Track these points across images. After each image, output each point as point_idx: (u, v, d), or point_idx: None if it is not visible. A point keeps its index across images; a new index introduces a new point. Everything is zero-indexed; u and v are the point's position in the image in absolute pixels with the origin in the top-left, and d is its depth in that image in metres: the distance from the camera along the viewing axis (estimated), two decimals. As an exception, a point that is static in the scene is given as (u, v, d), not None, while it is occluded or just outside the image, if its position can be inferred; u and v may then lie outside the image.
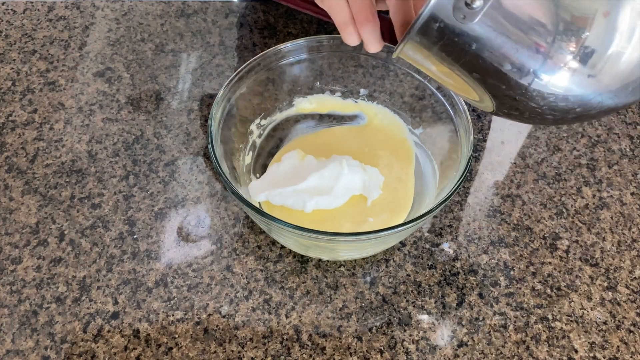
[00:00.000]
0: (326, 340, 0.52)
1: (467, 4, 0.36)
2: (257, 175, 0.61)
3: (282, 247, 0.58)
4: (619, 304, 0.55)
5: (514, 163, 0.66)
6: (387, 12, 0.48)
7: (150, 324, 0.53)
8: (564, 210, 0.62)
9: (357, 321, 0.54)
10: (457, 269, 0.57)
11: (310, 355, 0.51)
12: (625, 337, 0.53)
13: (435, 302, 0.55)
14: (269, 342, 0.52)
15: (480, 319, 0.54)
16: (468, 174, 0.58)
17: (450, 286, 0.56)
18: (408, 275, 0.57)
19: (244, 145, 0.61)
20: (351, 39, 0.47)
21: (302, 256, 0.57)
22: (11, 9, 0.79)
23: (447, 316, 0.54)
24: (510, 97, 0.39)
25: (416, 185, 0.60)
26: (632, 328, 0.54)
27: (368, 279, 0.56)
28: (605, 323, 0.54)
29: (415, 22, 0.38)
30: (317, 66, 0.62)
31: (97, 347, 0.52)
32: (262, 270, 0.56)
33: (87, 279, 0.55)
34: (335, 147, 0.62)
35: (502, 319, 0.54)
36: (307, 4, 0.77)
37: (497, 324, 0.54)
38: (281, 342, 0.52)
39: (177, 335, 0.52)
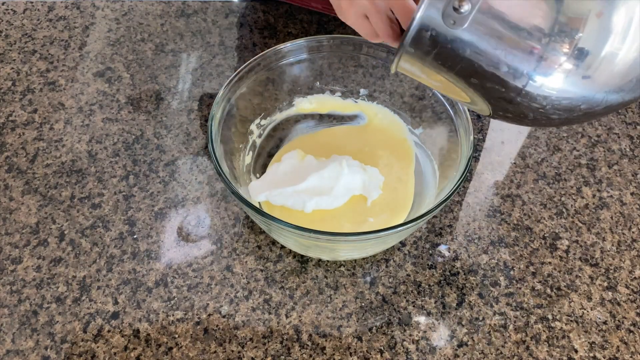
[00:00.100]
0: (326, 340, 0.52)
1: (455, 9, 0.36)
2: (257, 175, 0.61)
3: (282, 247, 0.58)
4: (619, 304, 0.55)
5: (514, 163, 0.66)
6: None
7: (150, 324, 0.53)
8: (564, 210, 0.62)
9: (357, 321, 0.54)
10: (457, 269, 0.57)
11: (310, 355, 0.51)
12: (625, 337, 0.53)
13: (435, 302, 0.55)
14: (269, 342, 0.52)
15: (480, 319, 0.54)
16: (468, 174, 0.58)
17: (450, 286, 0.56)
18: (408, 275, 0.57)
19: (244, 145, 0.61)
20: (375, 41, 0.50)
21: (302, 256, 0.57)
22: (11, 9, 0.79)
23: (447, 316, 0.54)
24: (509, 99, 0.39)
25: (416, 185, 0.60)
26: (632, 328, 0.54)
27: (368, 279, 0.56)
28: (605, 323, 0.54)
29: (407, 33, 0.38)
30: (317, 66, 0.62)
31: (97, 347, 0.52)
32: (262, 270, 0.56)
33: (87, 279, 0.55)
34: (335, 147, 0.62)
35: (502, 319, 0.54)
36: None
37: (497, 324, 0.54)
38: (281, 342, 0.52)
39: (177, 335, 0.52)
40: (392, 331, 0.53)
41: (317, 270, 0.57)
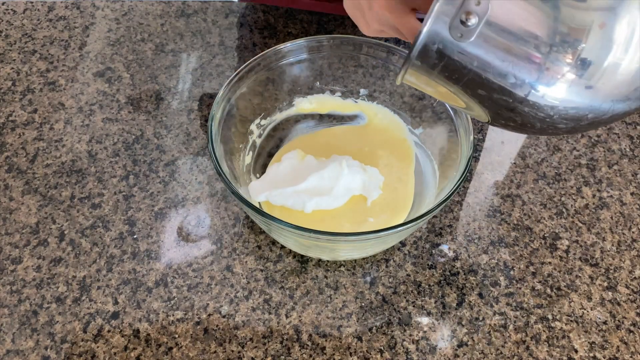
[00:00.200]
0: (326, 340, 0.52)
1: (462, 22, 0.36)
2: (257, 175, 0.61)
3: (282, 247, 0.58)
4: (619, 304, 0.55)
5: (514, 163, 0.66)
6: None
7: (150, 324, 0.53)
8: (564, 210, 0.62)
9: (357, 321, 0.54)
10: (457, 269, 0.57)
11: (310, 355, 0.51)
12: (625, 337, 0.53)
13: (435, 302, 0.55)
14: (269, 342, 0.52)
15: (480, 319, 0.54)
16: (468, 174, 0.58)
17: (450, 286, 0.56)
18: (408, 275, 0.57)
19: (244, 145, 0.61)
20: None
21: (302, 256, 0.57)
22: (11, 9, 0.79)
23: (447, 316, 0.54)
24: (516, 109, 0.39)
25: (416, 185, 0.60)
26: (632, 328, 0.54)
27: (368, 279, 0.56)
28: (605, 323, 0.54)
29: (414, 46, 0.38)
30: (317, 66, 0.62)
31: (97, 347, 0.52)
32: (262, 270, 0.56)
33: (87, 279, 0.55)
34: (335, 147, 0.62)
35: (502, 319, 0.54)
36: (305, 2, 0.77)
37: (497, 324, 0.54)
38: (281, 342, 0.52)
39: (177, 335, 0.52)
40: (392, 331, 0.53)
41: (317, 270, 0.57)
